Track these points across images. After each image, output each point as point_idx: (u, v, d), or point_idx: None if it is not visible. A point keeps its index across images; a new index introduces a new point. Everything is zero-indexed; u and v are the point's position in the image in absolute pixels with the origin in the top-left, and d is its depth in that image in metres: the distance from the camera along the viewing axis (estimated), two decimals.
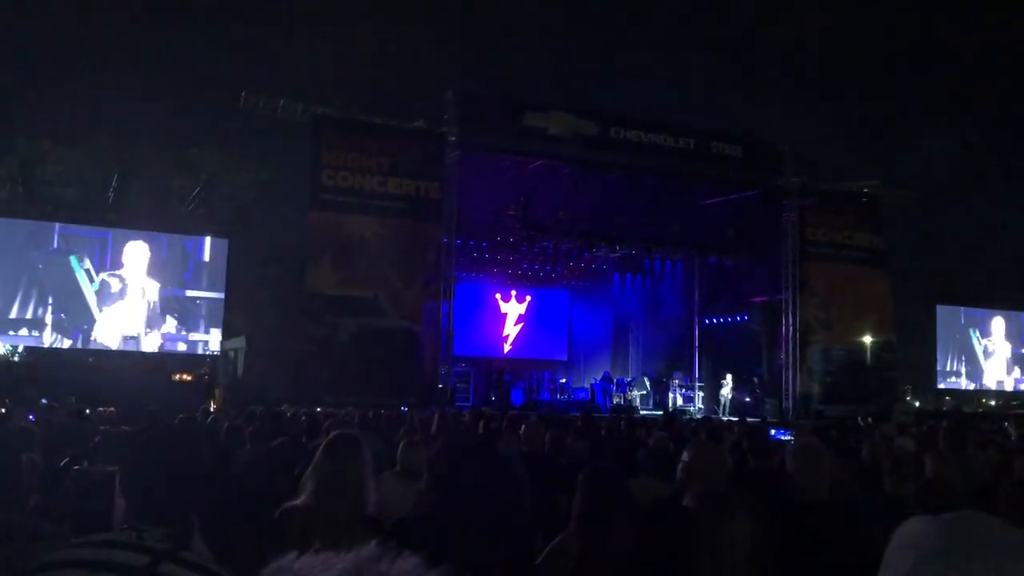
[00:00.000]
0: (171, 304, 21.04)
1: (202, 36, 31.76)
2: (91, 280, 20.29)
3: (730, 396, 24.38)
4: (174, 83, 28.83)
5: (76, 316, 20.26)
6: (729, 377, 24.86)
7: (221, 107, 24.16)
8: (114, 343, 20.43)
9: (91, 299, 20.23)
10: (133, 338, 20.48)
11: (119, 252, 20.63)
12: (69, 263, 20.22)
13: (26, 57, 27.69)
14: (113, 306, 20.28)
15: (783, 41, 42.68)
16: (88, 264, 20.35)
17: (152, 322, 20.67)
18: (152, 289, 20.61)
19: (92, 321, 20.28)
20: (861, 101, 42.88)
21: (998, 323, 31.00)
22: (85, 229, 21.07)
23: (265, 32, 33.19)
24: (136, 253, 20.56)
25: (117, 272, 20.34)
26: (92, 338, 20.25)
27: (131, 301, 20.39)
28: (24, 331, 20.14)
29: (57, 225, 20.68)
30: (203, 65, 29.57)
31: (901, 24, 43.09)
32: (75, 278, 20.20)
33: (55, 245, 20.39)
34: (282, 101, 19.29)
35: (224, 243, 21.78)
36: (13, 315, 19.89)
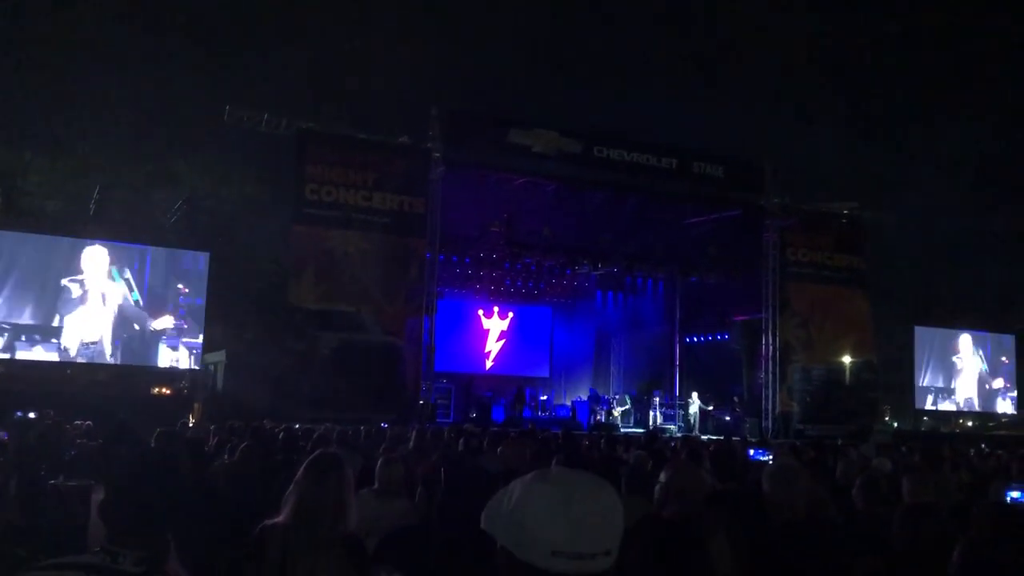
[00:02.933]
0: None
1: (186, 49, 31.71)
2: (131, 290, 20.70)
3: (697, 413, 24.35)
4: (157, 96, 28.78)
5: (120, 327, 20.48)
6: (695, 395, 24.90)
7: (205, 120, 24.12)
8: (78, 349, 20.29)
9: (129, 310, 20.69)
10: (94, 343, 20.30)
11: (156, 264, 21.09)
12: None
13: (7, 68, 27.54)
14: (76, 312, 20.13)
15: (765, 63, 43.14)
16: (128, 275, 20.70)
17: (124, 328, 20.52)
18: (118, 295, 20.46)
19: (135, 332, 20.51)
20: (842, 123, 43.31)
21: (971, 342, 31.22)
22: (124, 242, 21.35)
23: (250, 46, 33.18)
24: (99, 258, 20.43)
25: (79, 278, 20.22)
26: (62, 346, 20.05)
27: (94, 307, 20.25)
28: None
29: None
30: (187, 78, 29.53)
31: (881, 48, 43.66)
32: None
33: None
34: (266, 115, 19.25)
35: (206, 256, 21.66)
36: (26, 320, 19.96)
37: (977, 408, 31.57)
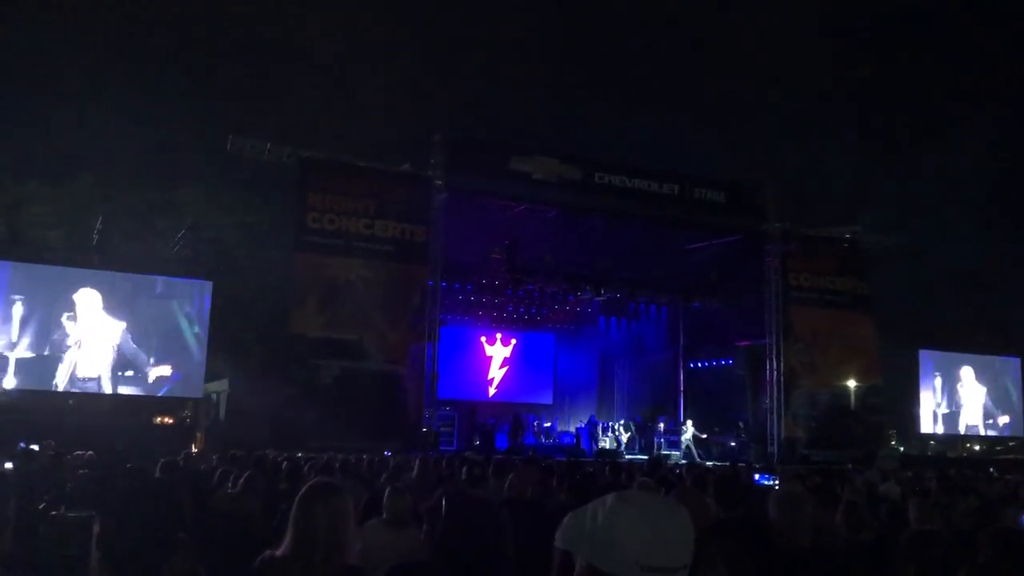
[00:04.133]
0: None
1: (189, 79, 31.98)
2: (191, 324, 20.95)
3: (691, 440, 24.10)
4: (160, 125, 28.96)
5: (179, 359, 20.81)
6: (689, 423, 24.71)
7: (207, 149, 24.26)
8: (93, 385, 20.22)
9: (191, 342, 20.92)
10: (92, 379, 20.27)
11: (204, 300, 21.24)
12: (171, 308, 20.89)
13: (12, 98, 27.76)
14: (70, 351, 20.14)
15: (766, 88, 43.40)
16: (188, 309, 20.99)
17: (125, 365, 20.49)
18: (115, 335, 20.44)
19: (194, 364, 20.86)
20: (844, 147, 43.49)
21: (976, 368, 31.06)
22: (183, 277, 21.72)
23: (252, 76, 33.45)
24: (92, 298, 20.44)
25: (73, 314, 20.23)
26: (55, 382, 20.03)
27: (89, 347, 20.24)
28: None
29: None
30: (189, 108, 29.73)
31: (882, 71, 43.93)
32: (178, 323, 20.88)
33: (158, 291, 20.94)
34: (269, 144, 19.37)
35: (208, 285, 21.67)
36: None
37: (992, 434, 31.40)
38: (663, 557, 1.59)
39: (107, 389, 20.30)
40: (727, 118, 44.40)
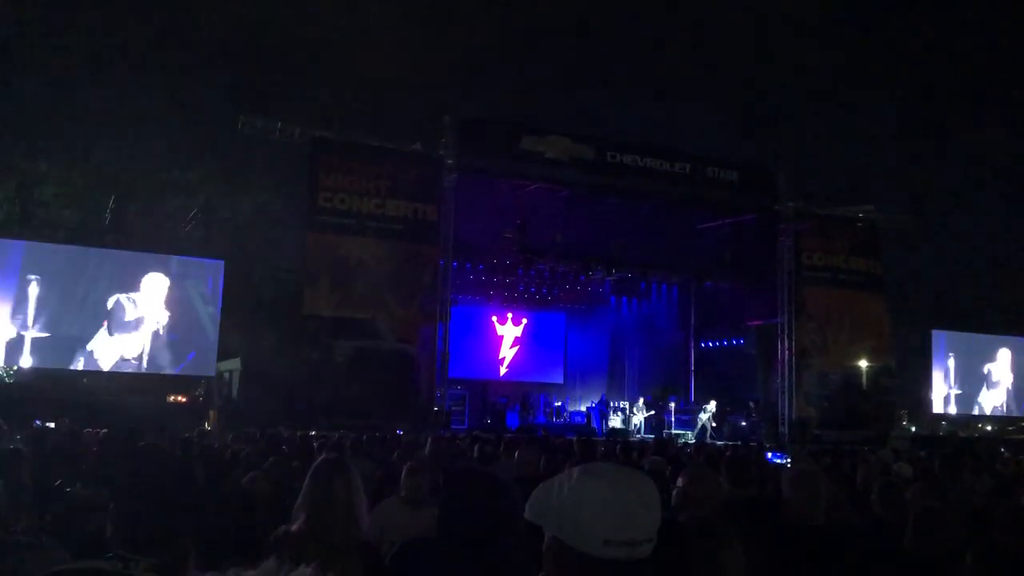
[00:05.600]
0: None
1: (200, 59, 31.88)
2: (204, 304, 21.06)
3: (710, 419, 23.98)
4: (172, 105, 28.91)
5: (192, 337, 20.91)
6: (713, 403, 24.53)
7: (219, 130, 24.23)
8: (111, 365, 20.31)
9: (205, 321, 21.03)
10: (134, 360, 20.35)
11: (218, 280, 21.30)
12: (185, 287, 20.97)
13: (24, 78, 27.77)
14: (122, 331, 20.22)
15: (779, 67, 43.02)
16: (201, 288, 21.08)
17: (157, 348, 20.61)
18: (162, 322, 20.57)
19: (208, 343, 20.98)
20: (856, 126, 43.13)
21: (1009, 356, 30.83)
22: (196, 257, 21.88)
23: (263, 55, 33.32)
24: (159, 284, 20.58)
25: (133, 297, 20.32)
26: (96, 358, 20.11)
27: (143, 330, 20.35)
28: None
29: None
30: (201, 88, 29.67)
31: (896, 51, 43.47)
32: (191, 302, 20.97)
33: (172, 271, 21.00)
34: (280, 124, 19.33)
35: (220, 264, 21.73)
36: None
37: (1004, 414, 31.27)
38: (626, 531, 1.57)
39: (146, 369, 20.46)
40: (740, 97, 44.07)
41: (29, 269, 19.86)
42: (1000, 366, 30.88)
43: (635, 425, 24.29)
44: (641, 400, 25.79)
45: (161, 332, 20.53)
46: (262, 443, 9.12)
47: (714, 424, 24.04)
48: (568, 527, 1.59)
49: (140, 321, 20.23)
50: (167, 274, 20.84)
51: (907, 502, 4.79)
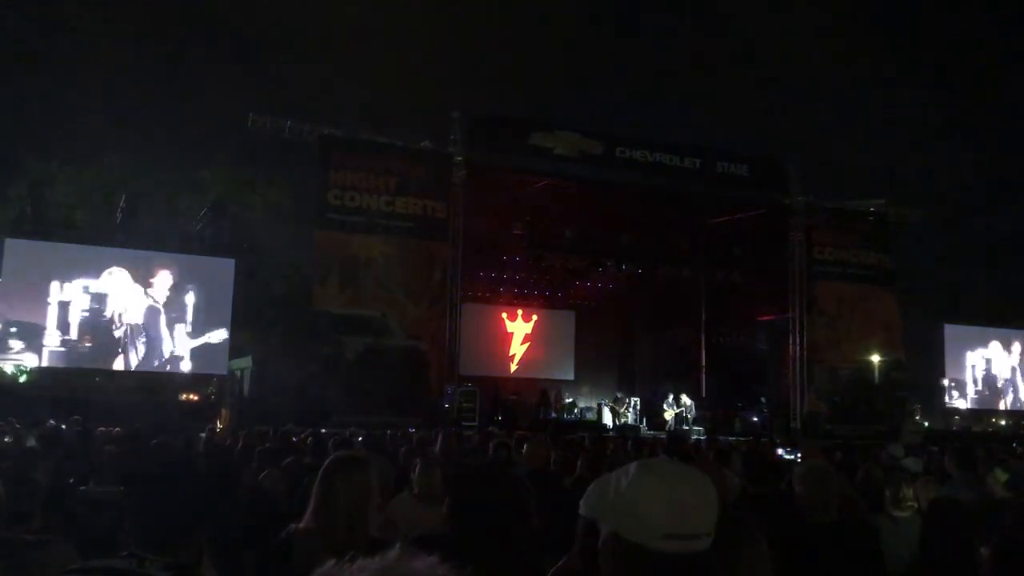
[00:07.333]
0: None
1: (210, 58, 31.99)
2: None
3: (685, 411, 23.68)
4: (182, 105, 29.03)
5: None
6: (684, 397, 24.20)
7: (229, 128, 24.30)
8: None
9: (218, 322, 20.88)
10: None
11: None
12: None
13: (36, 80, 27.91)
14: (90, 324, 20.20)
15: (789, 61, 42.86)
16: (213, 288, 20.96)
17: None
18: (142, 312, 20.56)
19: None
20: (867, 120, 42.93)
21: (1013, 344, 30.64)
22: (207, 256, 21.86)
23: (273, 54, 33.42)
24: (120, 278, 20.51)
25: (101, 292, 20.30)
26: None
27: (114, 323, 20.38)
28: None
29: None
30: (211, 87, 29.77)
31: (909, 45, 43.24)
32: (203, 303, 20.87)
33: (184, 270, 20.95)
34: (289, 122, 19.37)
35: (231, 263, 21.76)
36: None
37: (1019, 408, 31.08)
38: (686, 524, 1.60)
39: (157, 367, 20.53)
40: (750, 91, 43.91)
41: (42, 269, 19.95)
42: (1013, 361, 30.69)
43: (639, 420, 24.17)
44: (652, 397, 25.71)
45: (172, 331, 20.58)
46: (274, 441, 9.13)
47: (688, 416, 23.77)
48: (628, 522, 1.62)
49: (151, 320, 20.29)
50: (178, 273, 20.87)
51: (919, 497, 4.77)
